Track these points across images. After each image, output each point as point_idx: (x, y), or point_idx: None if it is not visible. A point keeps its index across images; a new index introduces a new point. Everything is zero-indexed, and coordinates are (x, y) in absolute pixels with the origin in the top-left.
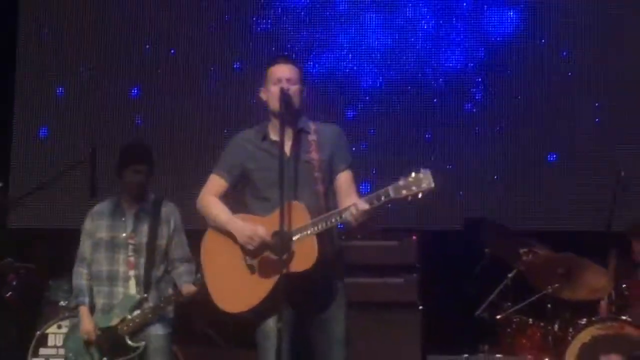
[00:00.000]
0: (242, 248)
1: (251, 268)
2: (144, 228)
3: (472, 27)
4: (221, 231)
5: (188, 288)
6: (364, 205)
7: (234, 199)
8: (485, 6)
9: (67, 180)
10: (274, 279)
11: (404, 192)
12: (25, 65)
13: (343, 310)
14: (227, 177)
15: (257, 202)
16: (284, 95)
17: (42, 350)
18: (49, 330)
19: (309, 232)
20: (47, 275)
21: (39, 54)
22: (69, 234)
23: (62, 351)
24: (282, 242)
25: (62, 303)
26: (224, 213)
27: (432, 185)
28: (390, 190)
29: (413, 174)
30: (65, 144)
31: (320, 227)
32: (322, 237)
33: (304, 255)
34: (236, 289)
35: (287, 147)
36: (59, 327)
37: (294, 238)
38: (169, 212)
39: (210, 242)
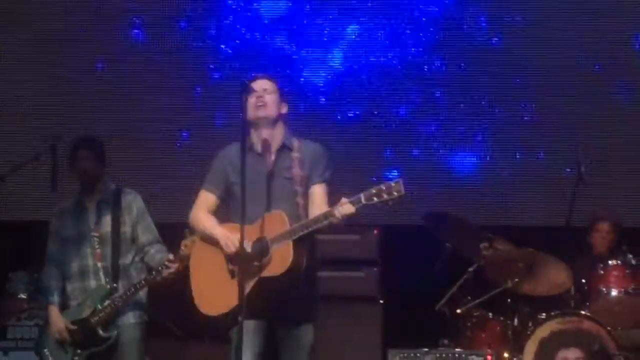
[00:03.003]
0: (224, 252)
1: (232, 273)
2: (107, 219)
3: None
4: (209, 240)
5: (165, 272)
6: (334, 213)
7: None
8: None
9: (27, 173)
10: (251, 283)
11: (375, 199)
12: None
13: (313, 321)
14: (215, 191)
15: (237, 214)
16: (244, 85)
17: (2, 343)
18: (8, 323)
19: (287, 236)
20: (6, 268)
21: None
22: (29, 226)
23: (21, 343)
24: (259, 247)
25: (21, 295)
26: (212, 223)
27: (403, 192)
28: (362, 197)
29: (384, 182)
30: (25, 136)
31: (298, 232)
32: (300, 245)
33: (280, 259)
34: (216, 292)
35: (269, 163)
36: (18, 319)
37: (274, 244)
38: (130, 199)
39: (199, 249)
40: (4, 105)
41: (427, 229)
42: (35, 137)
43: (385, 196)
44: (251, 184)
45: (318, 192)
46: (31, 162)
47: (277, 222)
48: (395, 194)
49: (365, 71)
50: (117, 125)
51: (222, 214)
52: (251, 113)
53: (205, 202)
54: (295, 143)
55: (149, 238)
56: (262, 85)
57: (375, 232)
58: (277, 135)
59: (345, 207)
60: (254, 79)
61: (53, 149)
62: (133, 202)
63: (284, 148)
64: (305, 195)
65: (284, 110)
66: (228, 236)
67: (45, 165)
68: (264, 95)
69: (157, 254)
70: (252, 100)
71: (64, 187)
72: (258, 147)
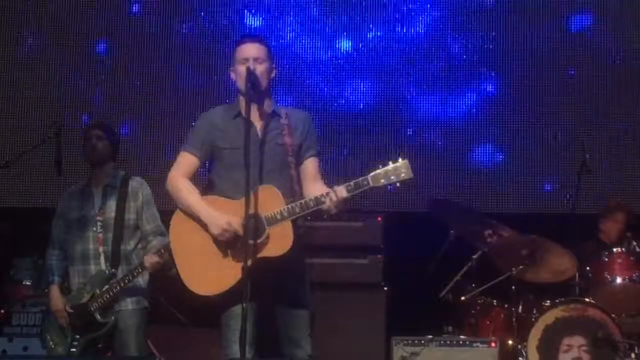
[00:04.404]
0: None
1: (224, 252)
2: (112, 204)
3: None
4: (191, 214)
5: (150, 258)
6: (342, 193)
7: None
8: None
9: (31, 159)
10: (249, 262)
11: (383, 181)
12: None
13: (307, 286)
14: (198, 154)
15: (226, 182)
16: (250, 75)
17: (6, 329)
18: (13, 309)
19: (284, 216)
20: (11, 254)
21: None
22: (33, 213)
23: (26, 330)
24: (255, 226)
25: (26, 282)
26: (195, 198)
27: (411, 175)
28: (370, 179)
29: (391, 163)
30: (30, 122)
31: (296, 212)
32: (294, 222)
33: (280, 240)
34: (207, 271)
35: (259, 129)
36: (23, 306)
37: (270, 224)
38: (137, 186)
39: (180, 223)
40: (8, 92)
41: (431, 215)
42: (40, 124)
43: (392, 178)
44: (239, 150)
45: (312, 166)
46: (36, 149)
47: (271, 198)
48: (403, 175)
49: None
50: (125, 112)
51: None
52: (241, 84)
53: (185, 165)
54: (283, 110)
55: (152, 227)
56: (253, 53)
57: (379, 219)
58: (266, 101)
59: (339, 191)
60: (244, 41)
61: (58, 135)
62: (139, 190)
63: (273, 114)
64: (298, 166)
65: (273, 75)
66: (218, 222)
67: (50, 152)
68: (256, 66)
69: (153, 248)
70: (241, 69)
71: (69, 172)
72: (247, 113)
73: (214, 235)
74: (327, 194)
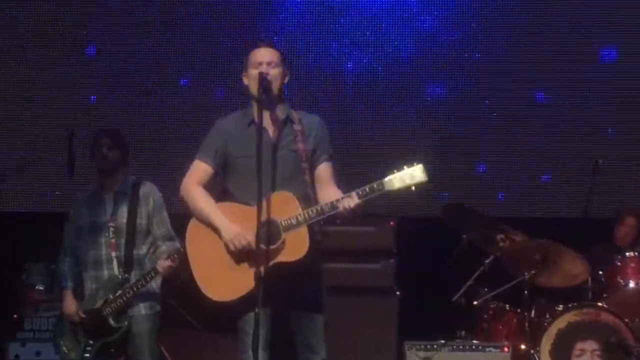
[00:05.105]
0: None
1: (240, 257)
2: (123, 209)
3: None
4: (206, 221)
5: (163, 263)
6: (356, 200)
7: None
8: None
9: (45, 164)
10: (265, 268)
11: (398, 185)
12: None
13: (323, 291)
14: (211, 162)
15: (241, 189)
16: (263, 80)
17: (19, 334)
18: (26, 314)
19: (300, 222)
20: (24, 259)
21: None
22: (46, 218)
23: (38, 334)
24: (270, 232)
25: (38, 287)
26: (210, 207)
27: (426, 178)
28: (385, 183)
29: (405, 167)
30: (42, 128)
31: (312, 217)
32: (311, 227)
33: (296, 245)
34: (223, 277)
35: (272, 135)
36: (36, 310)
37: (286, 229)
38: (148, 192)
39: (196, 228)
40: (20, 97)
41: (444, 220)
42: (53, 129)
43: (408, 181)
44: (253, 158)
45: (326, 171)
46: (48, 154)
47: (286, 204)
48: (418, 179)
49: None
50: (136, 119)
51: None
52: (254, 89)
53: (199, 174)
54: (295, 115)
55: (162, 232)
56: (267, 57)
57: (392, 223)
58: (279, 107)
59: (352, 198)
60: (257, 46)
61: (70, 140)
62: (150, 195)
63: (287, 120)
64: (312, 172)
65: (287, 80)
66: (233, 232)
67: (62, 157)
68: (269, 71)
69: (164, 253)
70: (254, 73)
71: (81, 177)
72: (259, 119)
73: (225, 243)
74: (343, 198)
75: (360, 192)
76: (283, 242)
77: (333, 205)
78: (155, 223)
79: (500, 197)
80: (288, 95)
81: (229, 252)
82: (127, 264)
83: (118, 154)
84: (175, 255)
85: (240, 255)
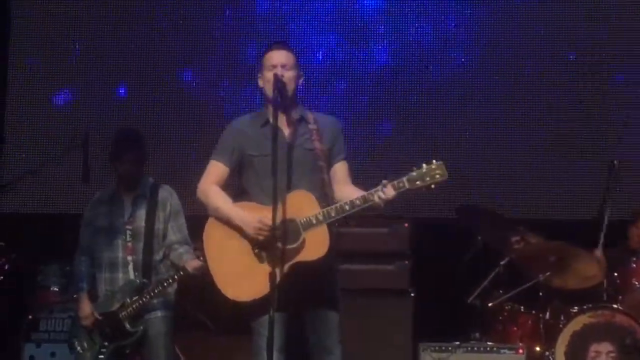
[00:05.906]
0: (250, 237)
1: (260, 257)
2: (142, 213)
3: None
4: (224, 219)
5: (193, 263)
6: (392, 191)
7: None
8: None
9: (58, 166)
10: (285, 268)
11: (419, 183)
12: (17, 52)
13: (339, 293)
14: (227, 162)
15: (257, 189)
16: (278, 82)
17: (34, 335)
18: (40, 315)
19: (320, 220)
20: (38, 260)
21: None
22: (61, 219)
23: (53, 335)
24: (289, 230)
25: (53, 288)
26: (227, 204)
27: (446, 176)
28: (405, 181)
29: (425, 165)
30: (57, 129)
31: (332, 215)
32: (329, 227)
33: (316, 244)
34: (244, 277)
35: (287, 135)
36: (50, 312)
37: (306, 228)
38: (166, 196)
39: (214, 229)
40: (35, 100)
41: (459, 222)
42: (67, 130)
43: (428, 179)
44: (270, 157)
45: (342, 171)
46: (61, 156)
47: (306, 203)
48: (438, 177)
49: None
50: (152, 120)
51: (232, 185)
52: (269, 91)
53: (215, 174)
54: (310, 115)
55: (178, 237)
56: (281, 60)
57: (406, 225)
58: (293, 108)
59: (387, 191)
60: (272, 49)
61: (85, 142)
62: (168, 200)
63: (301, 120)
64: (328, 170)
65: (300, 81)
66: (251, 222)
67: (77, 158)
68: (284, 73)
69: (185, 254)
70: (269, 75)
71: (96, 179)
72: (274, 120)
73: (250, 237)
74: (375, 191)
75: (396, 184)
76: (303, 242)
77: (366, 198)
78: (171, 228)
79: (514, 199)
80: (303, 95)
81: (250, 251)
82: (146, 268)
83: (140, 167)
84: (201, 257)
85: (260, 255)
